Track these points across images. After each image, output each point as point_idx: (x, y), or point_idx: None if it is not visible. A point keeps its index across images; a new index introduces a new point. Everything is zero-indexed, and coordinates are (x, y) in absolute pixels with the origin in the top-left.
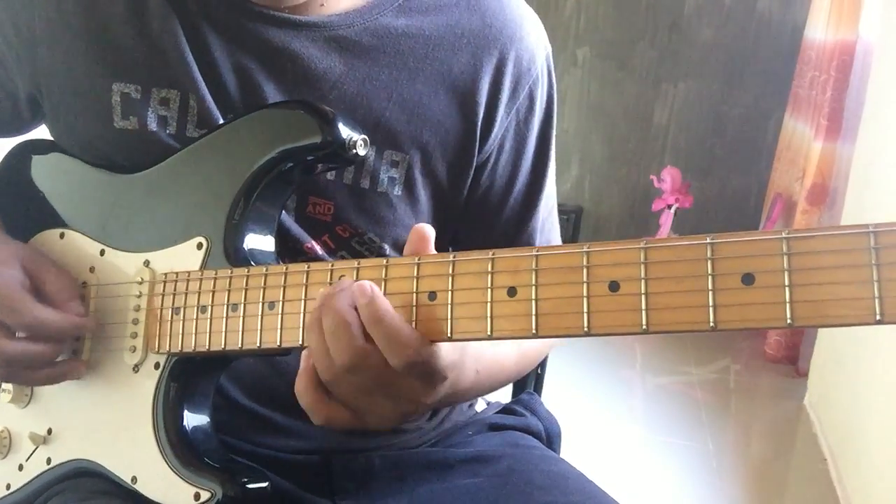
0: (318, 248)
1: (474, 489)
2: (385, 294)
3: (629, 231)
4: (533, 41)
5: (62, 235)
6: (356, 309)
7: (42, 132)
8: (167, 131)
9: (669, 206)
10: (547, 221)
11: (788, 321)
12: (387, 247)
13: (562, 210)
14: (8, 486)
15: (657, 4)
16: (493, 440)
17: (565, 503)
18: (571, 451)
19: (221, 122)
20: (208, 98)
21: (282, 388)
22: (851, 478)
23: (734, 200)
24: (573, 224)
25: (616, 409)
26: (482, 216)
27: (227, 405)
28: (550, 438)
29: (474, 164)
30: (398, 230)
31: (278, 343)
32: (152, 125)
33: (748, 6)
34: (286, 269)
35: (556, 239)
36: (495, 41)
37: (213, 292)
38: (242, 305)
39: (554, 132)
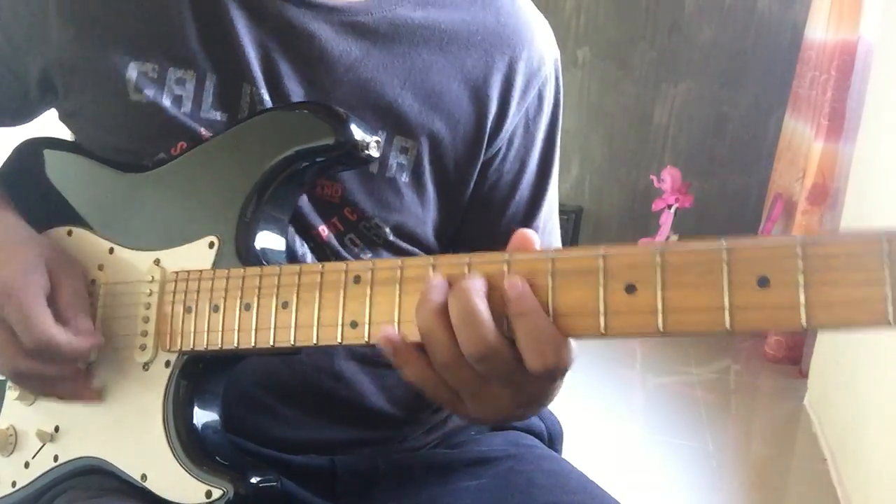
0: (327, 232)
1: (477, 491)
2: (401, 295)
3: (629, 231)
4: (543, 46)
5: (70, 233)
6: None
7: (46, 127)
8: (182, 110)
9: (669, 206)
10: (549, 222)
11: (803, 324)
12: (388, 230)
13: (562, 210)
14: (13, 484)
15: (657, 4)
16: (495, 440)
17: (566, 502)
18: (571, 451)
19: (239, 100)
20: (227, 78)
21: (289, 375)
22: (851, 478)
23: (734, 200)
24: (573, 224)
25: (616, 409)
26: (486, 212)
27: (232, 396)
28: (552, 439)
29: (482, 158)
30: (403, 217)
31: (292, 342)
32: (168, 104)
33: (748, 6)
34: (300, 269)
35: (557, 240)
36: (508, 41)
37: (226, 291)
38: (256, 305)
39: (559, 136)
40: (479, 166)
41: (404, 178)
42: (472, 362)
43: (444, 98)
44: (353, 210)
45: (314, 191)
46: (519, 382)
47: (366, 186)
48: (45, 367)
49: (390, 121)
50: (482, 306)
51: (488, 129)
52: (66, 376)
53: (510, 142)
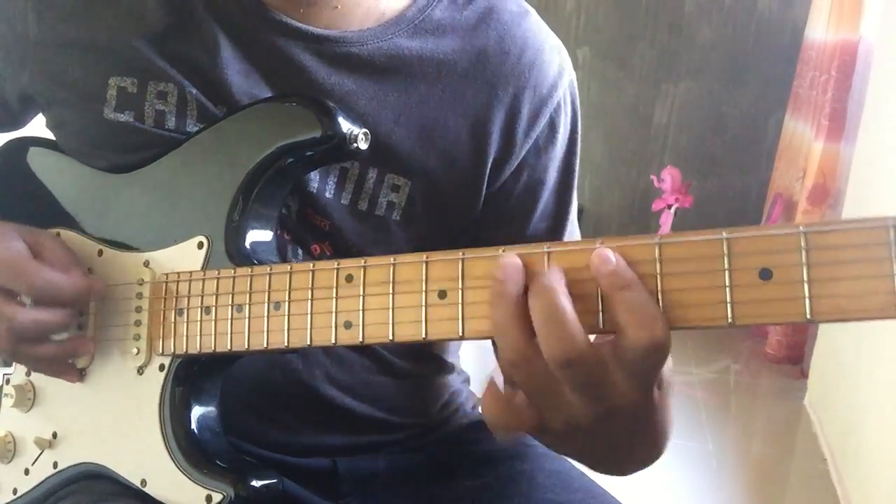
0: (319, 250)
1: (479, 490)
2: (394, 294)
3: (629, 231)
4: (553, 68)
5: (58, 235)
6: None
7: (35, 130)
8: (166, 126)
9: (669, 206)
10: None
11: (808, 316)
12: None
13: None
14: (15, 491)
15: (657, 4)
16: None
17: (568, 501)
18: None
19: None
20: (209, 97)
21: (285, 385)
22: (851, 478)
23: (734, 200)
24: None
25: None
26: (502, 241)
27: (229, 402)
28: None
29: (483, 193)
30: (393, 253)
31: (286, 344)
32: (149, 120)
33: (748, 6)
34: (291, 268)
35: None
36: (512, 69)
37: (217, 293)
38: (247, 306)
39: (577, 162)
40: (480, 201)
41: (395, 217)
42: (554, 367)
43: (441, 134)
44: (342, 240)
45: (305, 216)
46: (602, 392)
47: (355, 223)
48: (47, 314)
49: (382, 158)
50: (568, 306)
51: (489, 166)
52: (65, 327)
53: (518, 175)
